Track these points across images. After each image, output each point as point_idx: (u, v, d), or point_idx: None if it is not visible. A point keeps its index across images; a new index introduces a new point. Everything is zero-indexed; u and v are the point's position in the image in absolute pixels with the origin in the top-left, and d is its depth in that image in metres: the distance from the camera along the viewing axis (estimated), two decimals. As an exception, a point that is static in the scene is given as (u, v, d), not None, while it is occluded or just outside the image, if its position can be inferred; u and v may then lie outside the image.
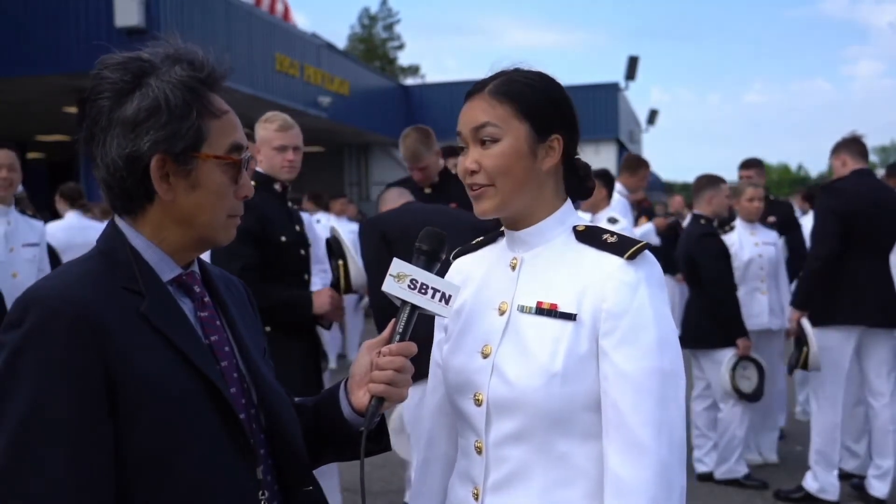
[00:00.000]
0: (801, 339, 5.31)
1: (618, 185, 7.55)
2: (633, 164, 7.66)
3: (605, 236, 1.68)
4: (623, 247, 1.65)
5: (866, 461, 5.56)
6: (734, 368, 5.60)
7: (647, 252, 1.65)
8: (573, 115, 1.74)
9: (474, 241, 1.90)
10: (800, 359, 5.28)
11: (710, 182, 5.99)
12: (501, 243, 1.82)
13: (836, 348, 5.22)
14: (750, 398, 5.64)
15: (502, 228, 1.82)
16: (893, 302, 5.25)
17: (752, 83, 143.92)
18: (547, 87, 1.72)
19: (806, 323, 5.27)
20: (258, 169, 3.98)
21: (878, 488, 5.24)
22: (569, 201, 1.77)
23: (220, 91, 1.52)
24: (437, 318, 1.73)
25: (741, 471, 5.74)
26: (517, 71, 1.74)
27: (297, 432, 1.61)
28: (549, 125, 1.70)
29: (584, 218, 1.88)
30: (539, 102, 1.70)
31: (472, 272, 1.80)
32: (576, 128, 1.74)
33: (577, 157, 1.77)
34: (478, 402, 1.67)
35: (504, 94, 1.68)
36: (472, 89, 1.74)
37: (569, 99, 1.75)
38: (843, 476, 5.53)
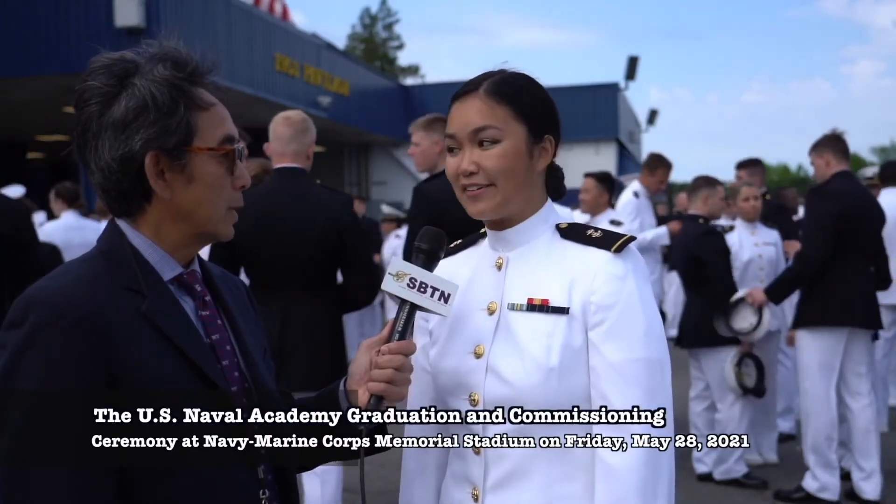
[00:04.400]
0: (734, 305, 5.61)
1: (636, 185, 7.49)
2: (652, 164, 7.43)
3: (589, 231, 1.72)
4: (609, 240, 1.68)
5: None
6: (738, 365, 5.62)
7: (632, 245, 1.68)
8: (558, 117, 1.77)
9: (453, 245, 1.89)
10: (743, 327, 5.57)
11: (706, 182, 6.02)
12: (483, 245, 1.83)
13: (829, 349, 5.26)
14: (755, 393, 5.67)
15: (483, 230, 1.83)
16: (876, 303, 5.32)
17: (751, 83, 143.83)
18: (537, 90, 1.74)
19: (767, 311, 5.55)
20: (302, 167, 4.09)
21: (868, 491, 5.23)
22: (549, 200, 1.80)
23: (206, 86, 1.53)
24: (418, 323, 1.73)
25: (741, 470, 5.74)
26: (506, 72, 1.74)
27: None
28: (543, 126, 1.72)
29: (577, 217, 1.88)
30: (534, 103, 1.72)
31: (455, 274, 1.79)
32: (559, 129, 1.77)
33: (554, 158, 1.79)
34: (473, 403, 1.68)
35: (501, 94, 1.69)
36: (462, 90, 1.73)
37: (553, 101, 1.77)
38: (845, 476, 5.53)
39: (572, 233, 1.73)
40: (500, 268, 1.75)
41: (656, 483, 1.58)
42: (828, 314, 5.23)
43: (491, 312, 1.71)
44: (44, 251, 6.55)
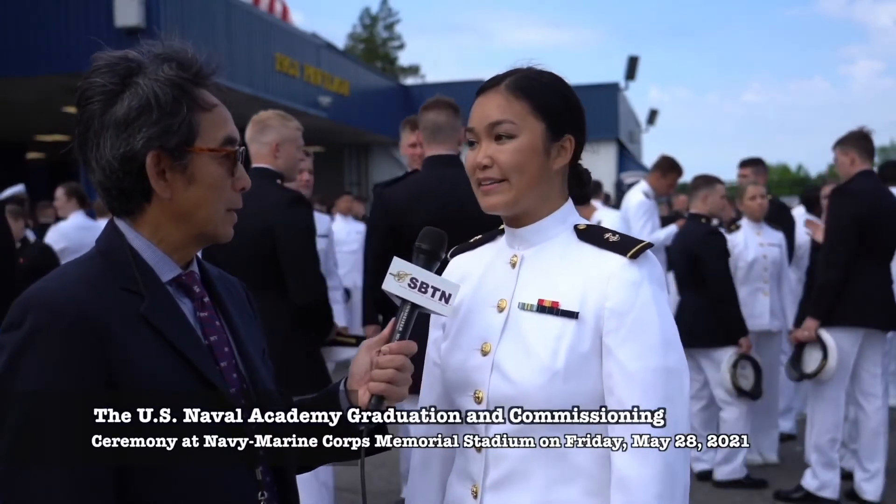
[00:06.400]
0: (801, 347, 5.29)
1: (644, 185, 7.47)
2: (666, 167, 7.36)
3: (606, 235, 1.70)
4: (625, 246, 1.67)
5: None
6: (734, 366, 5.61)
7: (649, 251, 1.67)
8: (583, 119, 1.77)
9: (472, 240, 1.90)
10: (813, 369, 5.22)
11: (705, 182, 6.00)
12: (500, 241, 1.83)
13: (843, 349, 5.19)
14: (750, 396, 5.65)
15: (501, 227, 1.83)
16: (894, 304, 5.27)
17: (751, 83, 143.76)
18: (562, 88, 1.75)
19: (826, 335, 5.18)
20: (268, 166, 3.99)
21: (870, 492, 5.23)
22: (570, 200, 1.79)
23: (209, 87, 1.53)
24: (433, 316, 1.74)
25: (742, 472, 5.74)
26: (532, 69, 1.75)
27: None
28: (562, 125, 1.72)
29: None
30: (555, 102, 1.72)
31: (469, 270, 1.81)
32: (584, 131, 1.77)
33: (580, 161, 1.79)
34: (478, 400, 1.68)
35: (521, 90, 1.70)
36: (487, 84, 1.74)
37: (580, 102, 1.77)
38: (846, 475, 5.53)
39: (590, 235, 1.72)
40: (514, 265, 1.75)
41: (673, 492, 1.57)
42: (843, 314, 5.15)
43: (500, 310, 1.71)
44: (37, 250, 6.57)
